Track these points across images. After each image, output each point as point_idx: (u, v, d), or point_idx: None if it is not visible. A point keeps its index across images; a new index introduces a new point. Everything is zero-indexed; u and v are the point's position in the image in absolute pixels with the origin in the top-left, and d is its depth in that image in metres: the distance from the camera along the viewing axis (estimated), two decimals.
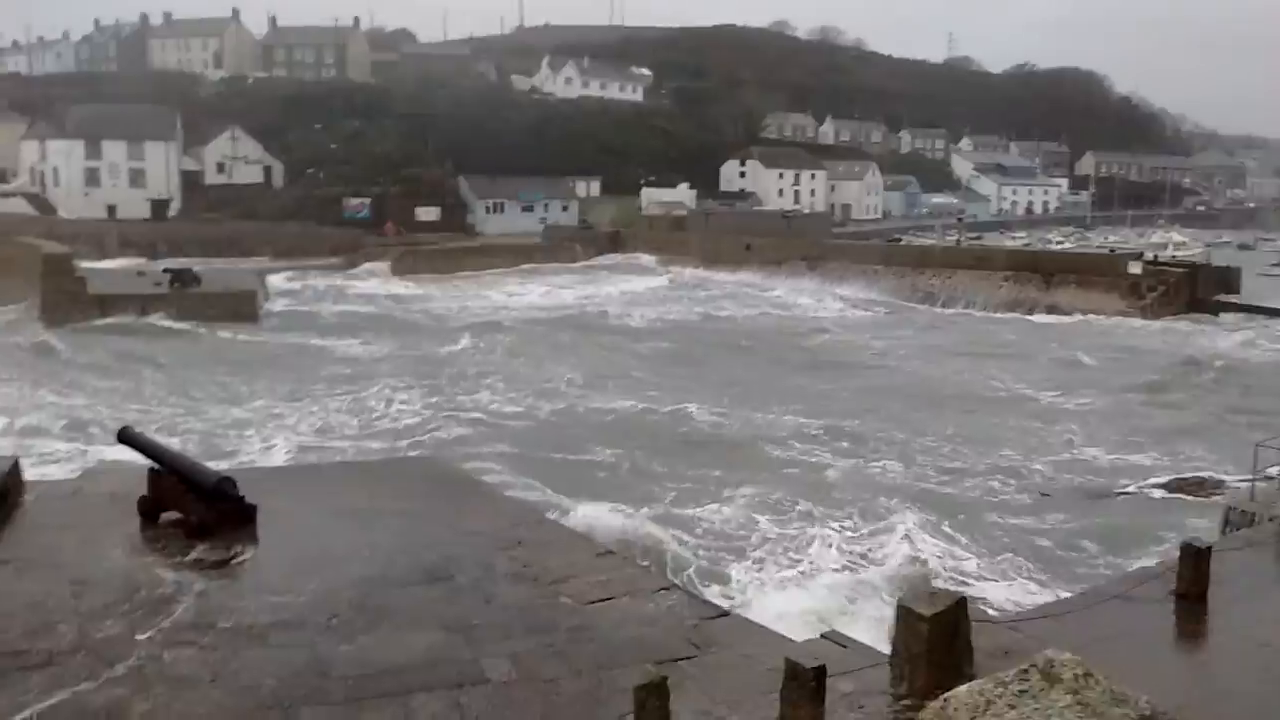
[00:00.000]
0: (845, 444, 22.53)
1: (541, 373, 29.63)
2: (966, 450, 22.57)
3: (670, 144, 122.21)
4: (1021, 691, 2.20)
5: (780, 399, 27.52)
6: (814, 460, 21.27)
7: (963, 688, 2.25)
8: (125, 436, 14.86)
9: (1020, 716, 2.11)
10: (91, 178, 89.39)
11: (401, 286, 52.99)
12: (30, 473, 15.82)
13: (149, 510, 13.31)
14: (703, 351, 37.14)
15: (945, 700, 2.24)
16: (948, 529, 16.52)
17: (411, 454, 19.59)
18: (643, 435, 23.11)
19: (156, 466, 13.69)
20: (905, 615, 8.06)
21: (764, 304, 52.44)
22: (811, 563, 14.96)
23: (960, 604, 8.26)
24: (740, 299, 53.01)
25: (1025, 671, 2.24)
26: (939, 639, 8.00)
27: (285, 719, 7.87)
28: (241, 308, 40.65)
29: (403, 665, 8.76)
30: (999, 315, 50.84)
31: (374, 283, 55.80)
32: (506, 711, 8.05)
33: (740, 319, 47.09)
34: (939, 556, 14.72)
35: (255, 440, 21.77)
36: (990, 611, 11.16)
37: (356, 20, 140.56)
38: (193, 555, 12.03)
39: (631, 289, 55.03)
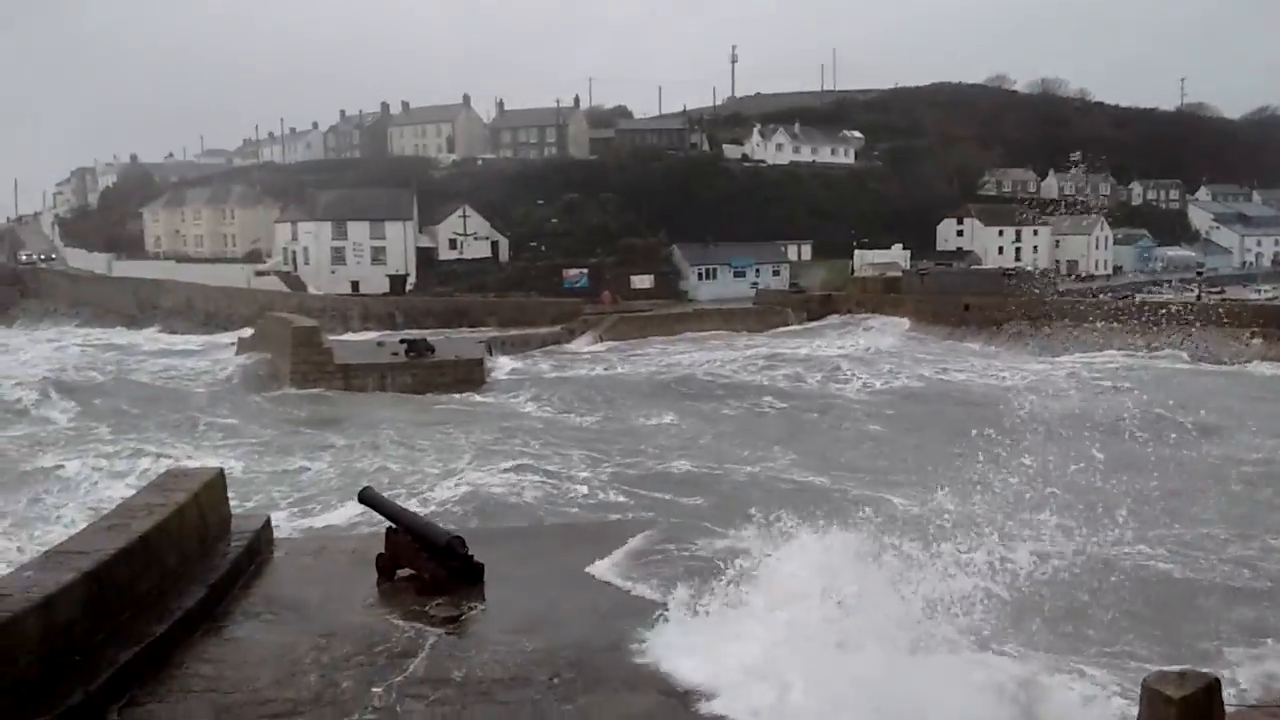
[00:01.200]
0: None
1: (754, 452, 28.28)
2: None
3: (882, 204, 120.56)
4: None
5: None
6: None
7: None
8: (365, 497, 15.85)
9: None
10: (337, 256, 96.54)
11: (614, 355, 54.11)
12: (280, 529, 17.10)
13: (386, 566, 14.08)
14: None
15: None
16: None
17: (628, 517, 19.91)
18: None
19: (393, 525, 14.52)
20: (1150, 697, 7.51)
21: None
22: None
23: (1213, 687, 7.62)
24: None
25: None
26: None
27: None
28: (470, 375, 42.81)
29: None
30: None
31: (589, 351, 57.41)
32: None
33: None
34: None
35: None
36: (1248, 697, 10.22)
37: (577, 100, 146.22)
38: (427, 609, 12.62)
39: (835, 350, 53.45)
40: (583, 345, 61.11)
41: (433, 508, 20.03)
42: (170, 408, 37.68)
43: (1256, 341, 52.24)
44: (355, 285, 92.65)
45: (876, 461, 27.04)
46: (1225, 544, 18.40)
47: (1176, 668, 9.97)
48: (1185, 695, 7.47)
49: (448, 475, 24.33)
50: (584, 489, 23.31)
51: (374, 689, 10.17)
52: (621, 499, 21.71)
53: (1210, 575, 16.69)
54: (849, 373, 45.45)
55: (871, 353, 51.57)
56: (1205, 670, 8.72)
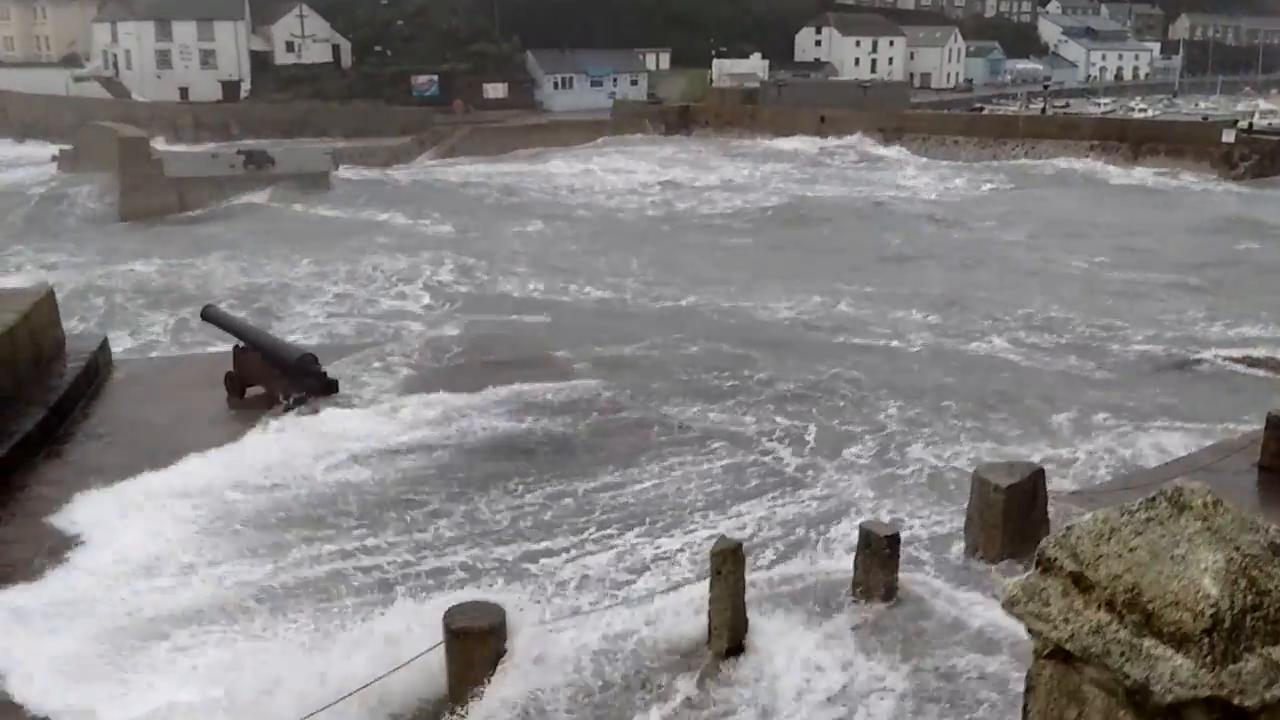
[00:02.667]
0: None
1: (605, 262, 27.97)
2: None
3: (742, 12, 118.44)
4: (1149, 519, 2.16)
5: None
6: None
7: (1086, 516, 2.23)
8: (209, 314, 15.29)
9: (1147, 543, 2.08)
10: (163, 60, 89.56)
11: (469, 165, 52.33)
12: (118, 350, 16.41)
13: (235, 387, 13.75)
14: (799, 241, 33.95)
15: (1068, 529, 2.22)
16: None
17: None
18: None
19: (240, 343, 14.10)
20: (980, 485, 8.06)
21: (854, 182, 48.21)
22: None
23: (1038, 475, 8.22)
24: (827, 178, 49.63)
25: (1153, 500, 2.21)
26: (1015, 509, 8.00)
27: None
28: (313, 187, 41.05)
29: None
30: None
31: (441, 164, 55.54)
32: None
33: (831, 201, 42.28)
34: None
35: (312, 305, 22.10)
36: (1068, 484, 11.09)
37: None
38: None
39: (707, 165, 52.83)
40: (434, 157, 58.95)
41: (283, 327, 19.48)
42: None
43: (1093, 153, 54.54)
44: (184, 92, 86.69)
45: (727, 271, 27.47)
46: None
47: (1004, 460, 10.75)
48: (1012, 484, 8.03)
49: (293, 293, 23.55)
50: (430, 301, 23.00)
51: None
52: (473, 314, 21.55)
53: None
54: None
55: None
56: (1031, 460, 9.40)
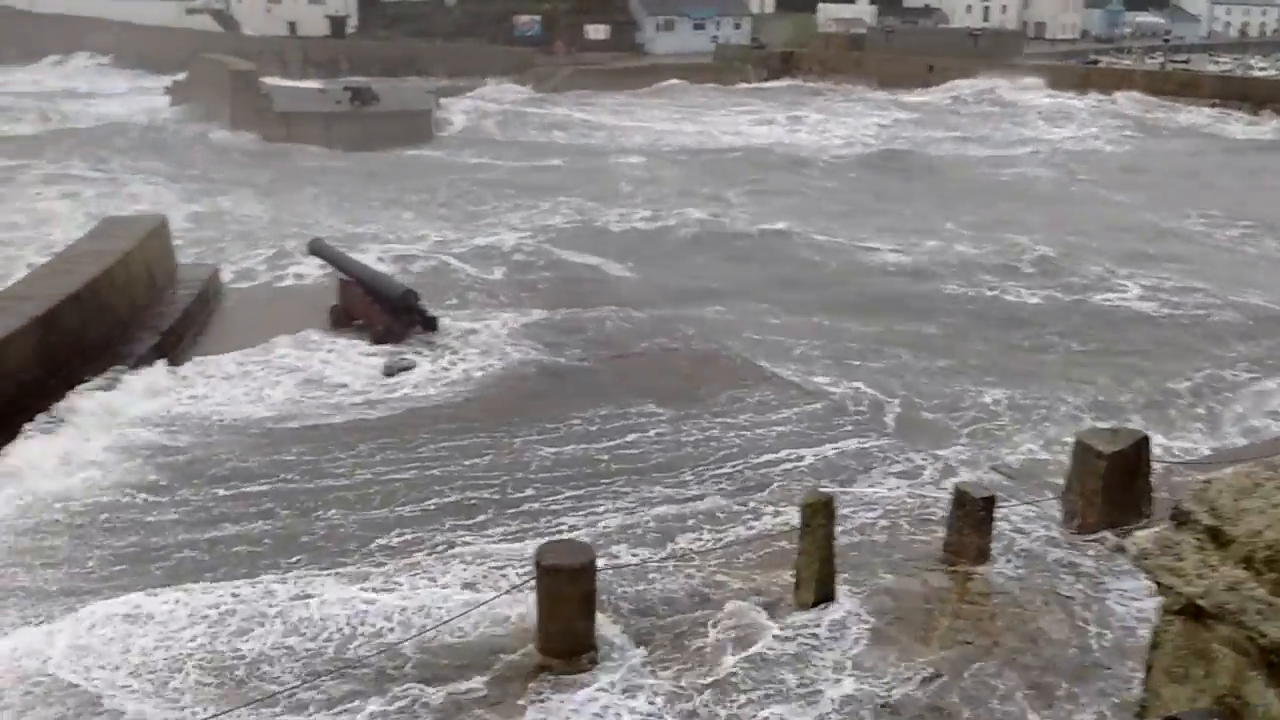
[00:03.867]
0: None
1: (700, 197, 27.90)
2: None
3: None
4: None
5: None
6: None
7: (1228, 470, 2.15)
8: (315, 248, 15.62)
9: None
10: None
11: (574, 108, 51.85)
12: (227, 279, 16.89)
13: (339, 319, 14.08)
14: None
15: (1207, 484, 2.15)
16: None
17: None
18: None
19: (345, 277, 14.41)
20: (1083, 452, 7.86)
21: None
22: None
23: (1142, 443, 7.99)
24: (937, 125, 47.86)
25: None
26: (1117, 477, 7.80)
27: None
28: (418, 127, 41.39)
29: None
30: None
31: (544, 102, 55.27)
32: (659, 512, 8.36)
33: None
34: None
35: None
36: (1175, 454, 10.76)
37: None
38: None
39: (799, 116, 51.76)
40: (535, 96, 58.88)
41: (387, 261, 19.83)
42: (106, 154, 36.26)
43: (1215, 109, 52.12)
44: (292, 27, 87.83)
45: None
46: None
47: (1109, 424, 10.47)
48: (1115, 451, 7.82)
49: (401, 229, 23.89)
50: (536, 242, 23.11)
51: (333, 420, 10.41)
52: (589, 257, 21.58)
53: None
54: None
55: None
56: (1135, 428, 9.13)
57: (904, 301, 17.66)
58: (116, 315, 12.61)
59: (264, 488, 9.20)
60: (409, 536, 8.28)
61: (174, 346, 12.99)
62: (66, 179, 30.94)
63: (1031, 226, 24.61)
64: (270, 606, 6.95)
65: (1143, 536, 2.29)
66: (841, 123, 46.96)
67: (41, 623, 6.90)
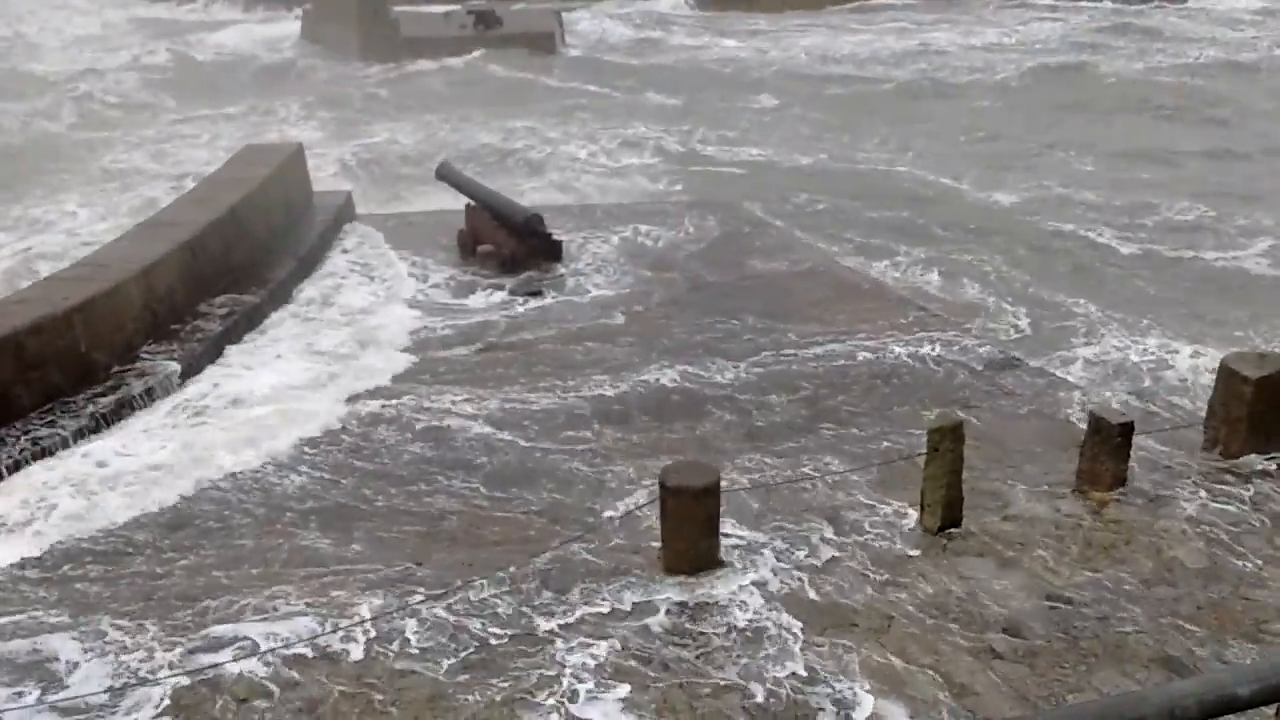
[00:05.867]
0: None
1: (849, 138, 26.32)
2: None
3: None
4: None
5: None
6: None
7: None
8: (443, 172, 15.89)
9: None
10: None
11: (700, 34, 49.61)
12: (359, 204, 17.35)
13: (466, 244, 14.35)
14: None
15: None
16: None
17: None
18: None
19: (471, 202, 14.64)
20: (1228, 376, 7.53)
21: None
22: None
23: None
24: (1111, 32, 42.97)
25: None
26: (1263, 403, 7.46)
27: None
28: (540, 48, 41.41)
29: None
30: None
31: (677, 18, 53.37)
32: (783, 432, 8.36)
33: None
34: None
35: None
36: None
37: None
38: (505, 283, 12.99)
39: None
40: (666, 8, 56.52)
41: (509, 187, 20.09)
42: (236, 84, 37.37)
43: None
44: None
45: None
46: None
47: (1255, 350, 9.99)
48: (1262, 376, 7.47)
49: (524, 150, 24.14)
50: (658, 167, 23.05)
51: (458, 350, 10.69)
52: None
53: None
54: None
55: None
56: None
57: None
58: (256, 239, 13.11)
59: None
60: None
61: (310, 270, 13.47)
62: (201, 109, 32.06)
63: None
64: None
65: None
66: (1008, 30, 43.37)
67: None
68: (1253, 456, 7.42)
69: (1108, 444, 7.11)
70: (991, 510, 7.08)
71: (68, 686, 5.60)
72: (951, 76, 35.25)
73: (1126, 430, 7.11)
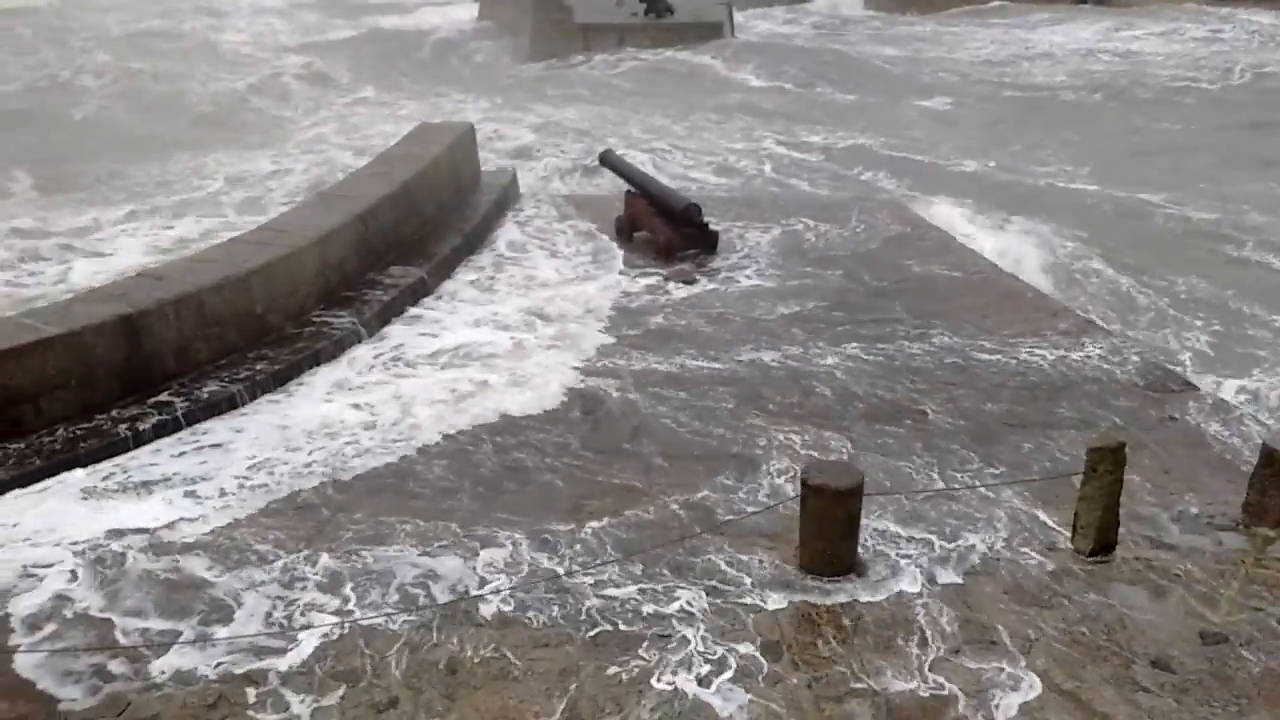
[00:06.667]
0: None
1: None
2: None
3: None
4: None
5: None
6: None
7: None
8: (606, 159, 16.12)
9: None
10: None
11: (880, 27, 48.39)
12: (525, 184, 17.77)
13: (624, 229, 14.54)
14: None
15: None
16: None
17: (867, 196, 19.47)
18: None
19: (632, 189, 14.81)
20: None
21: None
22: None
23: None
24: None
25: None
26: None
27: None
28: (707, 38, 41.46)
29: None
30: None
31: (855, 16, 52.43)
32: (935, 439, 8.18)
33: None
34: None
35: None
36: None
37: None
38: (663, 271, 13.10)
39: None
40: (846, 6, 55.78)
41: (665, 176, 20.22)
42: (413, 64, 38.73)
43: None
44: None
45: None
46: None
47: None
48: None
49: (684, 142, 24.24)
50: (818, 160, 22.82)
51: (628, 331, 10.85)
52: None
53: None
54: None
55: None
56: None
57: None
58: (425, 215, 13.59)
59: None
60: None
61: (475, 247, 13.88)
62: (371, 89, 33.39)
63: None
64: None
65: None
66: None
67: None
68: None
69: (1279, 477, 6.73)
70: (1148, 538, 6.79)
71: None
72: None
73: None
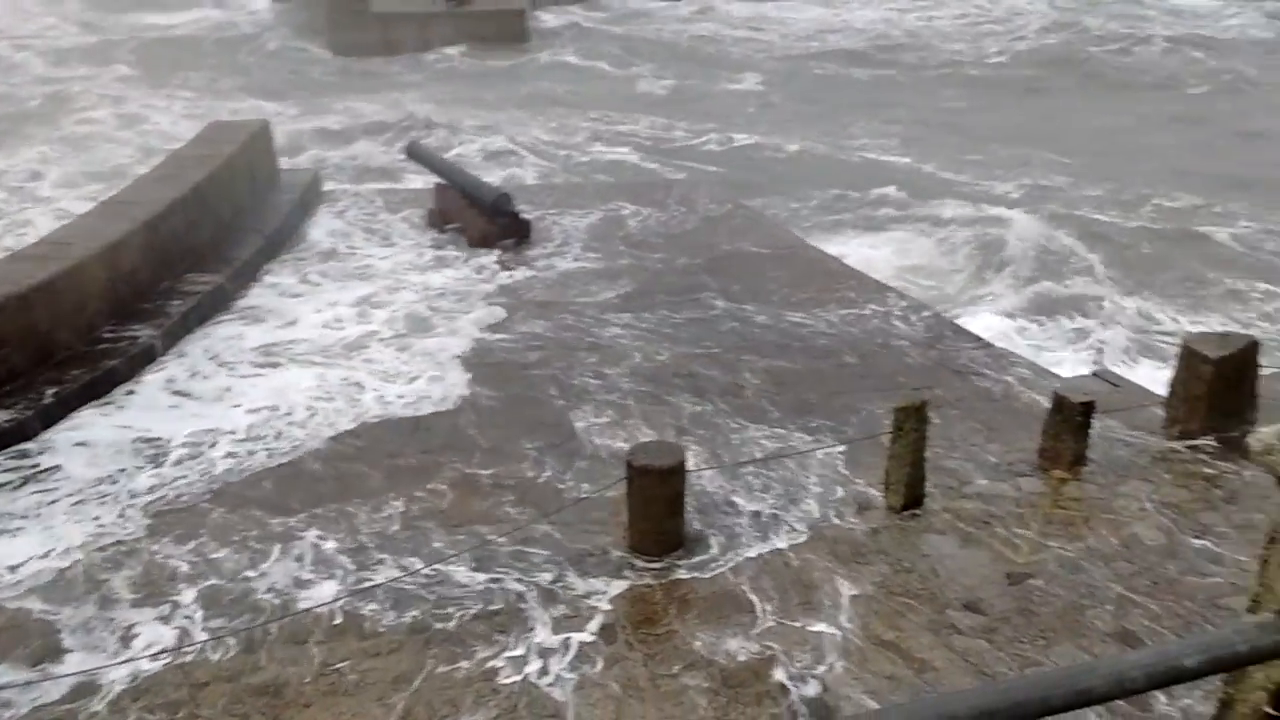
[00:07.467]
0: None
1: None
2: None
3: None
4: None
5: None
6: None
7: None
8: (412, 151, 15.79)
9: None
10: None
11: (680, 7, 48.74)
12: (326, 183, 17.19)
13: (436, 222, 14.29)
14: None
15: None
16: None
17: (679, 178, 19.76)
18: None
19: (441, 180, 14.56)
20: (1189, 356, 7.63)
21: None
22: None
23: (1251, 348, 7.71)
24: None
25: None
26: (1223, 383, 7.56)
27: None
28: (512, 27, 41.16)
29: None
30: None
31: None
32: (754, 410, 8.40)
33: None
34: None
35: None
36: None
37: None
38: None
39: None
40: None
41: (488, 164, 20.01)
42: (206, 60, 36.90)
43: None
44: None
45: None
46: None
47: (1216, 331, 10.12)
48: (1223, 356, 7.57)
49: (491, 132, 23.99)
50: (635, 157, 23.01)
51: (445, 324, 10.64)
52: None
53: None
54: None
55: None
56: (1245, 333, 8.81)
57: None
58: (221, 217, 12.97)
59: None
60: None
61: (280, 248, 13.35)
62: (163, 87, 31.62)
63: None
64: None
65: (1268, 433, 2.24)
66: None
67: None
68: (1211, 435, 7.53)
69: (1069, 423, 7.20)
70: (953, 488, 7.15)
71: None
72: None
73: (1087, 409, 7.20)
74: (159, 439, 8.39)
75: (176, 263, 11.64)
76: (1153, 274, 14.75)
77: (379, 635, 5.82)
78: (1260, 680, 2.27)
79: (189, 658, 5.66)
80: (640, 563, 6.40)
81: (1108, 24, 38.22)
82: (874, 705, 5.10)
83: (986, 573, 6.17)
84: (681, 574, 6.28)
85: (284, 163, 16.50)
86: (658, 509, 6.43)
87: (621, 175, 20.54)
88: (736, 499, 7.16)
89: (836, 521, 6.82)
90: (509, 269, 12.63)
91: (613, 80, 33.09)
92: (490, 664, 5.54)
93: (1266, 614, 2.06)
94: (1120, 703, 4.79)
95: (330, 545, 6.79)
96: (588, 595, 6.10)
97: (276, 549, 6.75)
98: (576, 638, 5.72)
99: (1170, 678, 1.98)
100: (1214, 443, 7.46)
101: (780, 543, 6.59)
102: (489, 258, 13.08)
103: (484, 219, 13.62)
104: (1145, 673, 1.96)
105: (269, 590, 6.30)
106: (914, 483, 6.85)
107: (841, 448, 7.81)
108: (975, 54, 35.51)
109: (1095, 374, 9.43)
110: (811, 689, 5.27)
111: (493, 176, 17.30)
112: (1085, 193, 18.96)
